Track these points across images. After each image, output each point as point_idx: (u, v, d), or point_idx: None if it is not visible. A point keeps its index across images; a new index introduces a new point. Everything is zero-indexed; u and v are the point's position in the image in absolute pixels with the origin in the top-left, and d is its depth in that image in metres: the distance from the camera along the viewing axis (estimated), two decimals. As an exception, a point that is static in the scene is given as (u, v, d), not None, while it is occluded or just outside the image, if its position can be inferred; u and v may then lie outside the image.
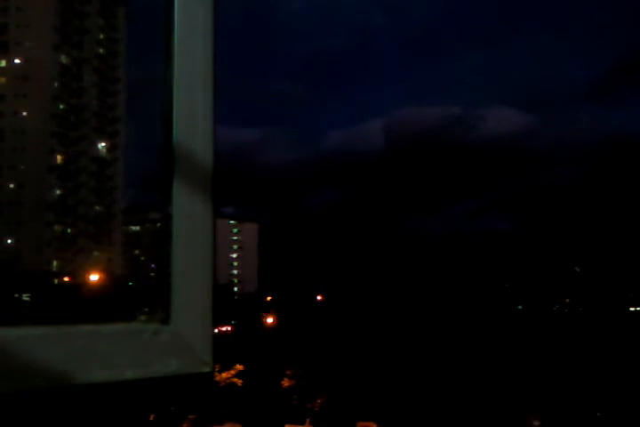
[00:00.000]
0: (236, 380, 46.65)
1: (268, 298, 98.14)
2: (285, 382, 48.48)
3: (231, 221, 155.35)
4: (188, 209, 1.32)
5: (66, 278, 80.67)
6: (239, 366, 47.05)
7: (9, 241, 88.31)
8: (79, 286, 66.82)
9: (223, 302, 66.37)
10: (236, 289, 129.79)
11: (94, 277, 65.47)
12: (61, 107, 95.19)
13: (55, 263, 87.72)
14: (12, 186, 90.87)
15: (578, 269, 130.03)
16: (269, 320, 65.11)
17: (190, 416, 41.46)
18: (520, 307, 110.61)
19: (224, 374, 45.83)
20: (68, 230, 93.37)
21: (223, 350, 43.26)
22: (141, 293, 60.99)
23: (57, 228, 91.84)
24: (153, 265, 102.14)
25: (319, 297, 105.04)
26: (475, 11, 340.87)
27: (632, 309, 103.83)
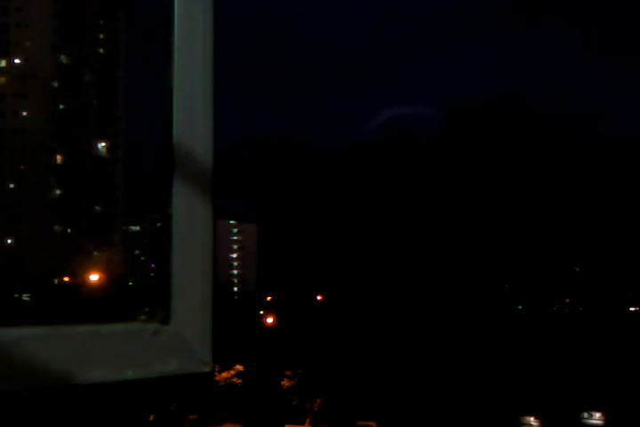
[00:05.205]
0: (236, 380, 46.64)
1: (268, 298, 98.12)
2: (285, 383, 48.48)
3: (231, 221, 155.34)
4: (188, 209, 1.32)
5: (66, 278, 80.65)
6: (239, 367, 47.04)
7: (9, 241, 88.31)
8: (79, 285, 66.83)
9: (223, 302, 66.34)
10: (235, 289, 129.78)
11: (94, 277, 65.49)
12: (61, 107, 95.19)
13: (55, 263, 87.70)
14: (11, 186, 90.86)
15: (578, 269, 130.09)
16: (269, 320, 65.07)
17: (190, 416, 41.46)
18: (520, 307, 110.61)
19: (224, 374, 45.81)
20: (68, 230, 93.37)
21: (223, 350, 43.28)
22: (141, 293, 60.99)
23: (57, 228, 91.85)
24: (153, 265, 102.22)
25: (319, 297, 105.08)
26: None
27: (632, 309, 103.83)
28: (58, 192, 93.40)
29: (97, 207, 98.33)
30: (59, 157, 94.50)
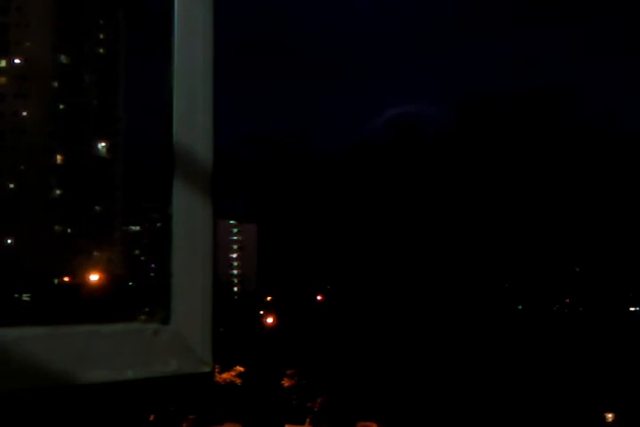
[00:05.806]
0: (236, 380, 46.68)
1: (268, 298, 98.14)
2: (285, 382, 48.48)
3: (231, 221, 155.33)
4: (188, 209, 1.32)
5: (66, 278, 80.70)
6: (239, 368, 47.08)
7: (9, 241, 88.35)
8: (79, 285, 66.84)
9: (223, 302, 66.37)
10: (235, 289, 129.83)
11: (94, 277, 65.51)
12: (61, 107, 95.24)
13: (55, 263, 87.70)
14: (11, 186, 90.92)
15: (578, 269, 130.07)
16: (269, 320, 65.10)
17: (190, 416, 41.48)
18: (520, 307, 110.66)
19: (224, 375, 45.84)
20: (68, 230, 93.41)
21: (223, 351, 43.30)
22: (141, 293, 61.01)
23: (57, 228, 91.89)
24: (153, 265, 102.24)
25: (319, 297, 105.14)
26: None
27: (632, 309, 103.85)
28: (58, 192, 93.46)
29: (97, 207, 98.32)
30: (59, 157, 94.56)
